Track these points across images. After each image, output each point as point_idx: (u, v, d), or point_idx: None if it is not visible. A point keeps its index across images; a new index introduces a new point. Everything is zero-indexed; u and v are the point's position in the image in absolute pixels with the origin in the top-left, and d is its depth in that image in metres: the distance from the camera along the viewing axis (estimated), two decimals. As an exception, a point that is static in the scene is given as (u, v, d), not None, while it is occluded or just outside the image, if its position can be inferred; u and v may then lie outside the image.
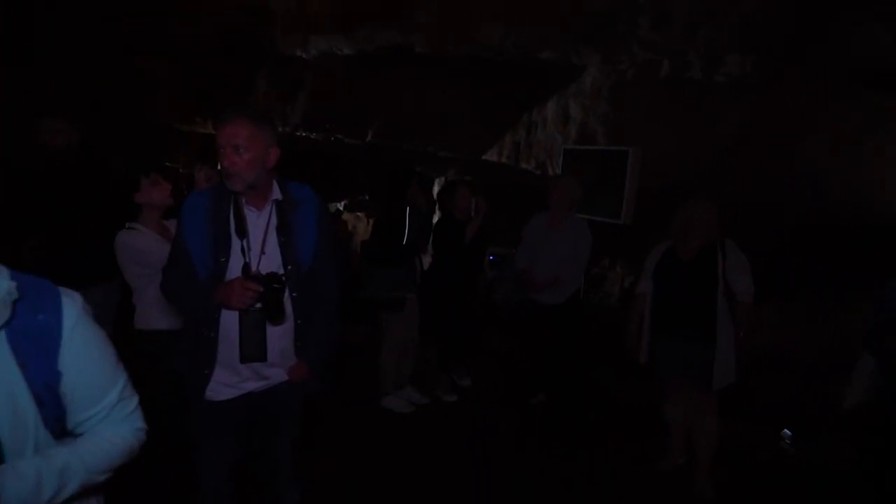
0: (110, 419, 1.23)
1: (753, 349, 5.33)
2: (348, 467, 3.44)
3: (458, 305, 4.68)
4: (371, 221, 10.38)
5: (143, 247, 2.67)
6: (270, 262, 2.04)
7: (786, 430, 4.12)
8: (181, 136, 8.98)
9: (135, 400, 1.29)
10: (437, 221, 5.00)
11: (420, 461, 3.60)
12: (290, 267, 2.06)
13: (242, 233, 2.02)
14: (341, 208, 10.17)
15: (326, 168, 9.09)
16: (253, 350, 2.05)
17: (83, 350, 1.18)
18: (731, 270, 3.27)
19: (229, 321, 2.03)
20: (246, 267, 2.00)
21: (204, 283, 2.01)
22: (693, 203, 3.40)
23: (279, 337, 2.09)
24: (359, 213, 10.45)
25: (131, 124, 7.87)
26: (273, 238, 2.06)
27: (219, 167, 2.17)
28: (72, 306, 1.17)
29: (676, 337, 3.35)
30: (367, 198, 9.96)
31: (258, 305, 2.00)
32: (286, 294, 2.05)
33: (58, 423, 1.17)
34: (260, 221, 2.06)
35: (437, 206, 6.93)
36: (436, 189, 9.44)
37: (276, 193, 2.09)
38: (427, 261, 4.74)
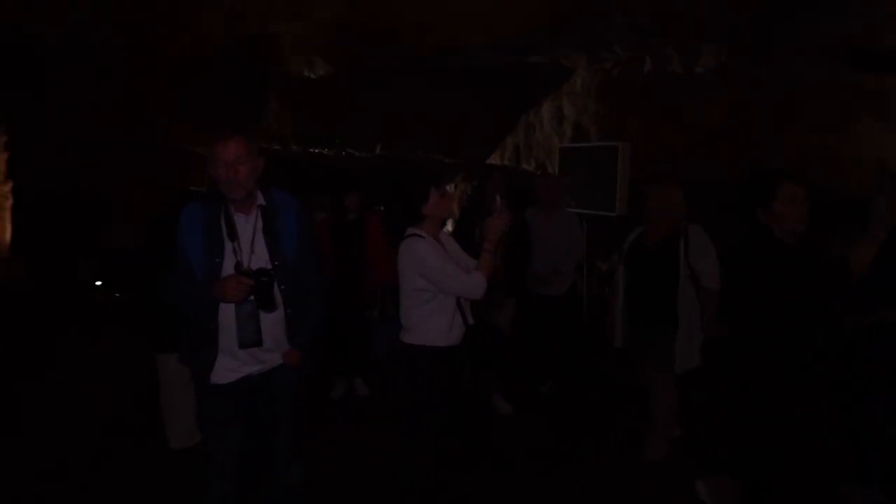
0: None
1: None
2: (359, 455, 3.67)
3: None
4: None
5: None
6: (259, 259, 2.32)
7: None
8: (201, 159, 9.40)
9: None
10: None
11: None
12: (276, 262, 2.34)
13: (233, 236, 2.32)
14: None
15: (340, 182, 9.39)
16: (249, 337, 2.32)
17: None
18: (694, 255, 3.29)
19: (226, 313, 2.31)
20: (238, 265, 2.28)
21: (202, 282, 2.30)
22: (655, 189, 3.47)
23: (272, 325, 2.36)
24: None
25: (144, 149, 8.21)
26: (260, 238, 2.35)
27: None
28: None
29: (644, 322, 3.44)
30: (381, 208, 10.24)
31: (251, 298, 2.28)
32: (275, 287, 2.32)
33: None
34: (248, 225, 2.35)
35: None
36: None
37: (261, 199, 2.38)
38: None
